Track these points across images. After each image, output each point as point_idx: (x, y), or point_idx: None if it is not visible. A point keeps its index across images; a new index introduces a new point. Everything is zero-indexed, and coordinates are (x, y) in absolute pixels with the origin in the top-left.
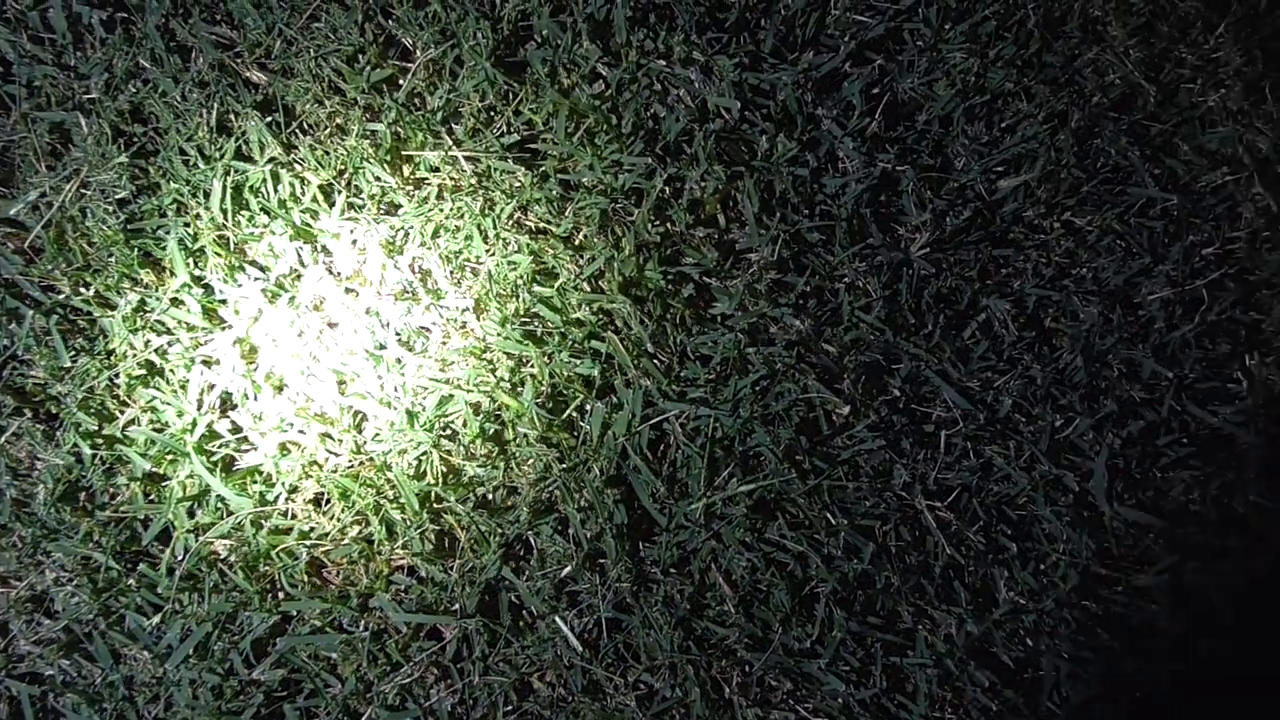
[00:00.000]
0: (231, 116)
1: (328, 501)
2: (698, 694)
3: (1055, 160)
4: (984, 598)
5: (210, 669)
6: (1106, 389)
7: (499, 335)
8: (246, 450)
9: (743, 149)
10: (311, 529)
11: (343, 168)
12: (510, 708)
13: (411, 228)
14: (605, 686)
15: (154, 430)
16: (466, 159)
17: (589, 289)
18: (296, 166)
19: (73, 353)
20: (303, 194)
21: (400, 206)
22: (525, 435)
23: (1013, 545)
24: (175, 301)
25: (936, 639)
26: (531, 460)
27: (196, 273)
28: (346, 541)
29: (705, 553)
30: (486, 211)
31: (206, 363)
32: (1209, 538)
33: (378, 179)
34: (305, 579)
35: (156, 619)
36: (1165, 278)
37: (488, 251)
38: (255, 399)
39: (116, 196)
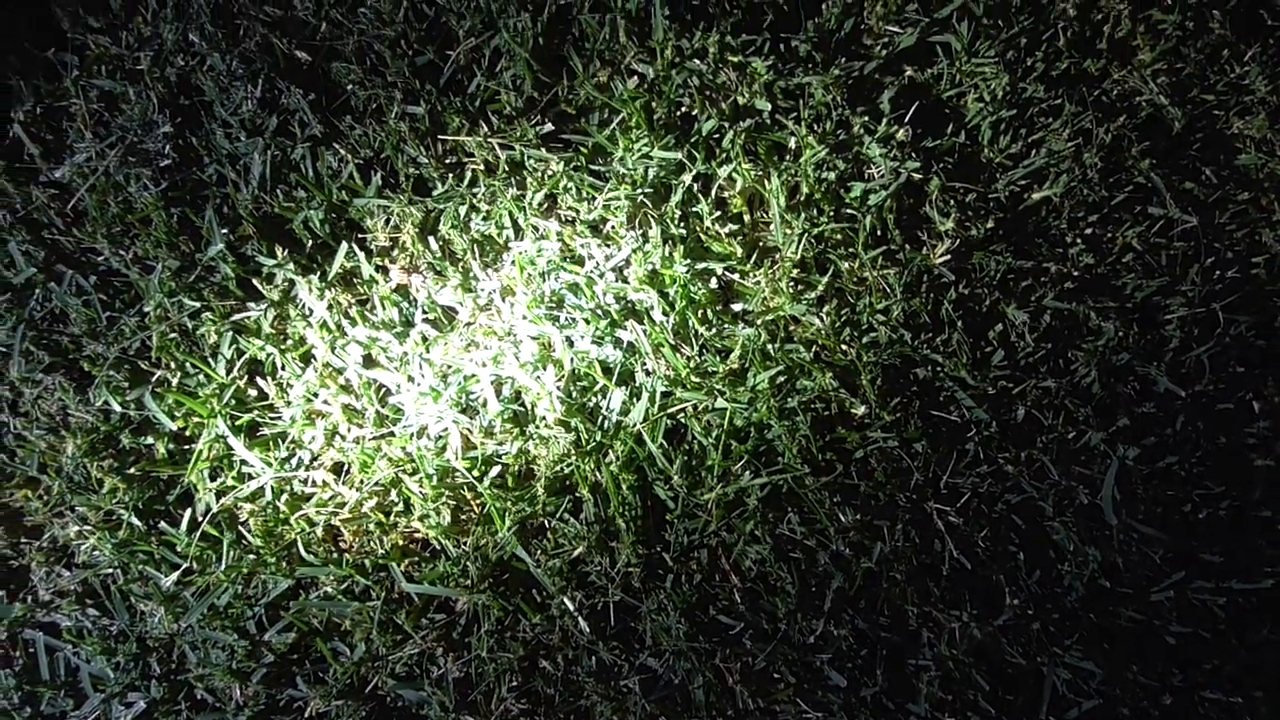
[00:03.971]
0: (275, 93)
1: (348, 471)
2: (701, 681)
3: (1079, 177)
4: (989, 604)
5: (223, 628)
6: (1120, 404)
7: (525, 318)
8: (272, 417)
9: (772, 149)
10: (331, 498)
11: (380, 148)
12: (516, 684)
13: (444, 209)
14: (610, 669)
15: (183, 393)
16: (501, 146)
17: (614, 278)
18: (335, 145)
19: (108, 313)
20: (340, 172)
21: (434, 188)
22: (545, 418)
23: (1020, 554)
24: (210, 269)
25: (940, 641)
26: (550, 442)
27: (232, 242)
28: (365, 512)
29: (716, 542)
30: (518, 197)
31: (238, 330)
32: (1217, 556)
33: (414, 160)
34: (322, 546)
35: (174, 576)
36: (1183, 297)
37: (517, 236)
38: (283, 368)
39: (159, 165)
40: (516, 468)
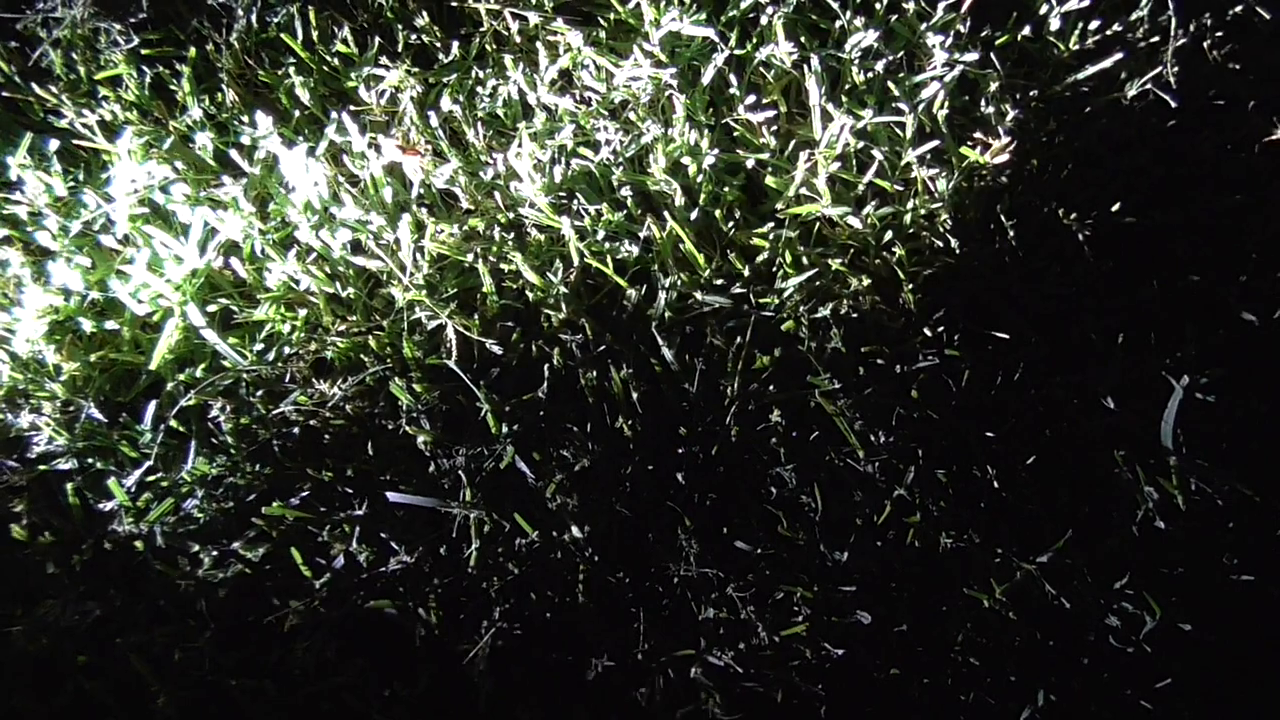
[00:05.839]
0: None
1: (331, 368)
2: (712, 611)
3: (1154, 79)
4: (1030, 540)
5: (189, 535)
6: (1187, 330)
7: (532, 207)
8: (247, 306)
9: (815, 31)
10: (311, 396)
11: (379, 11)
12: (509, 605)
13: (447, 82)
14: (614, 593)
15: (151, 273)
16: (514, 15)
17: (633, 167)
18: (329, 6)
19: (71, 183)
20: (334, 36)
21: (437, 59)
22: (551, 317)
23: (1066, 487)
24: (185, 138)
25: (974, 578)
26: (555, 344)
27: (210, 110)
28: (348, 412)
29: (734, 460)
30: (530, 73)
31: (213, 205)
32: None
33: (415, 26)
34: (300, 449)
35: (136, 475)
36: (1262, 215)
37: (527, 116)
38: (262, 251)
39: (133, 19)
40: (517, 371)
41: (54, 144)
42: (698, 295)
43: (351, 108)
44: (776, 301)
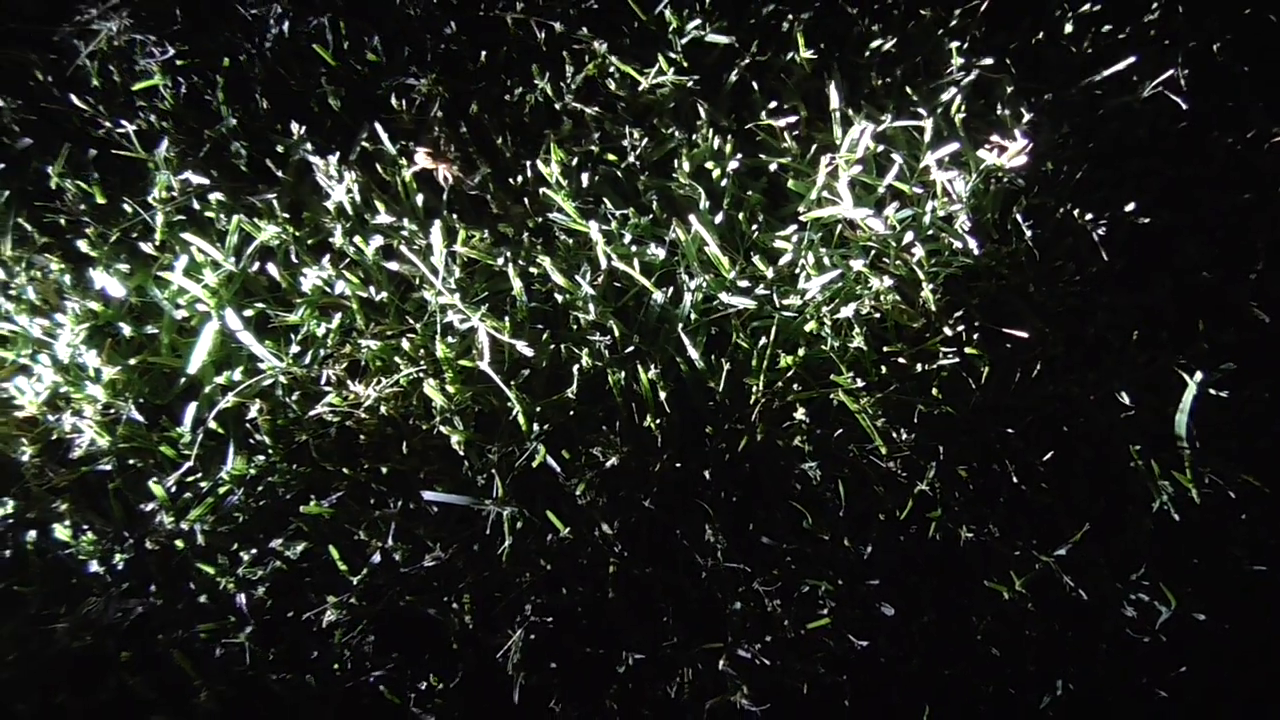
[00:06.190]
0: None
1: (365, 371)
2: (739, 606)
3: (1165, 82)
4: (1049, 534)
5: (228, 533)
6: (1198, 327)
7: (559, 212)
8: (282, 310)
9: (834, 37)
10: (346, 397)
11: (407, 21)
12: (540, 600)
13: (475, 90)
14: (641, 587)
15: (188, 279)
16: (539, 23)
17: (658, 172)
18: (359, 16)
19: (109, 191)
20: (364, 45)
21: (465, 67)
22: (578, 319)
23: (1083, 482)
24: (219, 146)
25: (995, 571)
26: (584, 345)
27: (244, 119)
28: (382, 414)
29: (759, 457)
30: (556, 80)
31: (248, 212)
32: None
33: (444, 35)
34: (335, 449)
35: (175, 475)
36: (1272, 215)
37: (553, 122)
38: (296, 256)
39: (167, 30)
40: (547, 372)
41: (92, 153)
42: (723, 297)
43: (382, 116)
44: (799, 302)
